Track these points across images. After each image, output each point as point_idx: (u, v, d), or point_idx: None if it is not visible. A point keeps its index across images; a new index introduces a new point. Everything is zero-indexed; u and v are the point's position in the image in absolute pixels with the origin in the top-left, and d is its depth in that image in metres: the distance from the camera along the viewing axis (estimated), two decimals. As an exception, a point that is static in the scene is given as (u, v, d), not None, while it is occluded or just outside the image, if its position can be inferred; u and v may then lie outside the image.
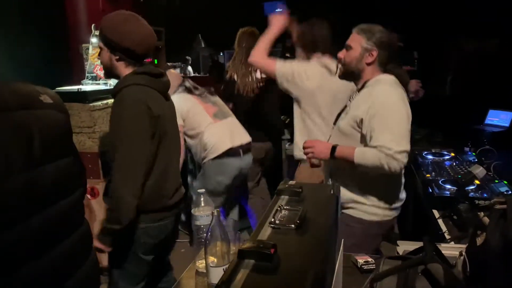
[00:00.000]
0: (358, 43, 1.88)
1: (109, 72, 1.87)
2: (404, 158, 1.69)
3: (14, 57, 1.66)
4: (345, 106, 2.01)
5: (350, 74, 1.94)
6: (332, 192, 1.28)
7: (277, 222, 1.06)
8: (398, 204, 1.96)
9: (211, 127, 2.77)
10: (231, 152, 2.79)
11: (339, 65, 1.98)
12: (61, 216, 1.19)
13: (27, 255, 1.07)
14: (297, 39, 2.67)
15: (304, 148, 1.95)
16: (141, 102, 1.71)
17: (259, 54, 2.53)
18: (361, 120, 1.81)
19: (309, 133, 2.48)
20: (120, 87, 1.75)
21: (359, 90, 1.95)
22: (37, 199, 1.11)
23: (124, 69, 1.81)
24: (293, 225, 1.04)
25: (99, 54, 1.86)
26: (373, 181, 1.85)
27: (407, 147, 1.71)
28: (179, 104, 2.37)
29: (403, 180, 1.98)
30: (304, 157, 2.01)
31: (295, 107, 2.55)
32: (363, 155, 1.76)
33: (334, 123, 2.05)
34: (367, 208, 1.91)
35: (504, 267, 0.91)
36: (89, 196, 2.57)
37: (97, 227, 1.76)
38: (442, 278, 0.99)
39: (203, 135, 2.76)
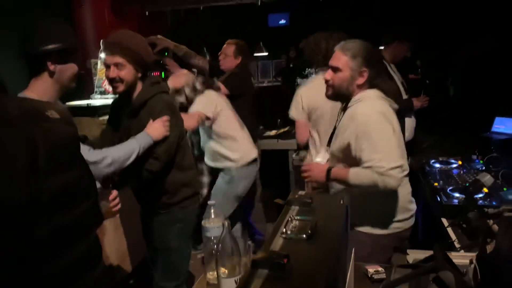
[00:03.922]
0: (345, 64, 1.82)
1: (129, 88, 1.96)
2: (398, 173, 1.68)
3: (22, 73, 1.70)
4: (335, 128, 2.01)
5: (341, 96, 1.91)
6: (342, 202, 1.30)
7: (288, 232, 1.08)
8: (406, 215, 1.94)
9: (242, 134, 2.97)
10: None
11: (327, 86, 1.92)
12: (67, 229, 1.20)
13: (30, 266, 1.08)
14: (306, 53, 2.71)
15: (302, 171, 1.97)
16: (174, 107, 2.04)
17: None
18: (349, 144, 1.82)
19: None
20: (145, 98, 1.95)
21: (344, 109, 1.94)
22: (42, 211, 1.12)
23: (139, 83, 1.98)
24: (304, 235, 1.05)
25: (118, 70, 1.91)
26: (377, 195, 1.82)
27: (399, 162, 1.70)
28: (212, 99, 2.82)
29: (409, 189, 1.96)
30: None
31: None
32: (357, 176, 1.76)
33: (328, 144, 2.05)
34: (375, 223, 1.90)
35: (515, 275, 0.92)
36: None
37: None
38: (454, 285, 1.00)
39: (234, 140, 2.92)
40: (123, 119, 2.05)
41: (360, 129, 1.76)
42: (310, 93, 2.60)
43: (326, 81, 1.91)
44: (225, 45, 3.52)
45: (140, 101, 1.95)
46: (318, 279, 0.88)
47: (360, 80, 1.83)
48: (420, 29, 5.37)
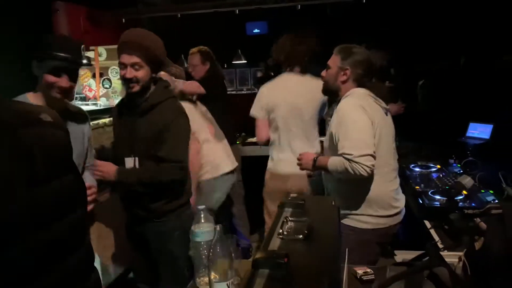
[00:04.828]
0: (334, 63, 2.06)
1: (144, 89, 1.93)
2: (366, 161, 1.80)
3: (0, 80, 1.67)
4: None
5: (329, 90, 2.13)
6: (333, 203, 1.32)
7: (285, 233, 1.09)
8: (390, 212, 2.00)
9: (213, 147, 2.81)
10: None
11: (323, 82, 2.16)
12: (63, 234, 1.18)
13: (25, 275, 1.05)
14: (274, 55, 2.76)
15: (297, 159, 2.17)
16: (184, 112, 2.02)
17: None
18: (332, 134, 1.98)
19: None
20: (157, 100, 1.93)
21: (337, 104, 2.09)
22: (40, 217, 1.10)
23: (152, 84, 1.95)
24: (301, 236, 1.06)
25: (135, 71, 1.88)
26: (361, 189, 1.96)
27: (367, 151, 1.82)
28: (188, 113, 2.56)
29: (393, 187, 2.04)
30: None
31: None
32: (333, 163, 1.92)
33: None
34: (359, 217, 1.99)
35: (506, 269, 0.95)
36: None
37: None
38: (448, 280, 1.02)
39: (204, 154, 2.76)
40: (130, 116, 2.00)
41: (340, 119, 1.93)
42: (270, 93, 2.64)
43: (322, 78, 2.15)
44: (189, 57, 3.56)
45: (152, 102, 1.92)
46: (319, 277, 0.89)
47: (343, 77, 2.03)
48: (395, 38, 5.54)
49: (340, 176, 1.90)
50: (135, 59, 1.85)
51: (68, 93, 1.80)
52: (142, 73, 1.87)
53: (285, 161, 2.59)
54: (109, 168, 1.93)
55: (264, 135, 2.66)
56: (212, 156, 2.78)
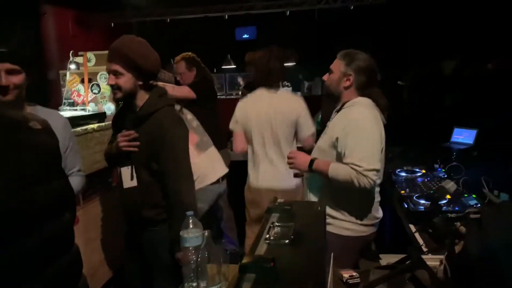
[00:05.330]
0: (338, 68, 2.02)
1: (129, 96, 1.92)
2: (373, 176, 1.79)
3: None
4: (325, 126, 2.13)
5: (331, 95, 2.09)
6: (319, 208, 1.35)
7: (271, 238, 1.11)
8: (372, 221, 2.04)
9: (195, 160, 2.73)
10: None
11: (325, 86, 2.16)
12: (51, 239, 1.19)
13: (12, 279, 1.06)
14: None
15: (288, 158, 2.10)
16: (181, 120, 2.01)
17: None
18: (337, 139, 1.93)
19: None
20: (153, 109, 1.91)
21: (338, 111, 2.07)
22: (29, 222, 1.11)
23: (144, 93, 1.94)
24: (287, 240, 1.09)
25: (116, 78, 1.88)
26: (346, 198, 1.96)
27: (377, 166, 1.82)
28: None
29: (377, 199, 2.07)
30: None
31: None
32: (336, 170, 1.87)
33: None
34: (343, 224, 2.00)
35: (484, 271, 0.99)
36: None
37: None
38: (429, 283, 1.06)
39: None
40: (127, 127, 2.00)
41: (352, 127, 1.88)
42: (245, 107, 2.76)
43: (324, 82, 2.14)
44: (174, 65, 3.56)
45: (147, 111, 1.92)
46: (305, 281, 0.91)
47: (346, 83, 2.00)
48: (383, 42, 5.63)
49: (339, 184, 1.88)
50: (114, 66, 1.87)
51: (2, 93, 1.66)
52: (123, 80, 1.88)
53: (261, 174, 2.72)
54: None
55: (238, 147, 2.81)
56: (194, 170, 2.72)
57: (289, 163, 2.11)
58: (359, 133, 1.86)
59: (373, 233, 2.07)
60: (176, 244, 1.80)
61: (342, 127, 1.92)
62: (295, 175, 2.16)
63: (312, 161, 1.99)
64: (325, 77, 2.11)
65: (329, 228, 1.97)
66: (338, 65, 2.03)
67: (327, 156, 2.01)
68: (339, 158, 1.93)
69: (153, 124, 1.91)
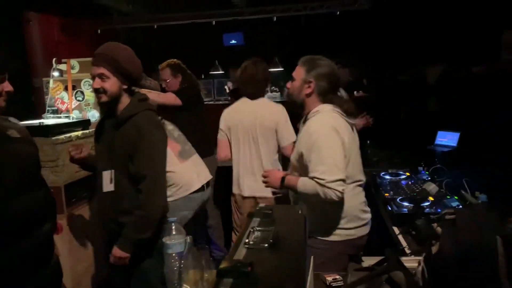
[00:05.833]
0: (299, 75, 2.00)
1: (113, 99, 1.94)
2: (338, 186, 1.79)
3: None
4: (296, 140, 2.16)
5: (294, 103, 2.07)
6: (300, 212, 1.36)
7: (251, 242, 1.12)
8: (358, 224, 2.01)
9: (178, 169, 2.72)
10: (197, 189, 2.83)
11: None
12: (33, 249, 1.18)
13: None
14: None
15: (262, 176, 2.13)
16: (160, 124, 2.03)
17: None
18: (302, 154, 1.94)
19: None
20: (133, 112, 1.94)
21: (304, 121, 2.06)
22: (9, 232, 1.10)
23: (126, 97, 1.98)
24: (266, 245, 1.10)
25: (102, 82, 1.89)
26: (329, 205, 1.91)
27: (340, 175, 1.80)
28: None
29: (360, 200, 2.05)
30: None
31: None
32: (304, 186, 1.89)
33: None
34: (328, 229, 1.98)
35: (458, 270, 1.01)
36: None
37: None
38: (405, 284, 1.07)
39: (172, 173, 2.65)
40: (108, 130, 2.02)
41: (311, 141, 1.88)
42: (228, 116, 2.82)
43: (287, 89, 2.12)
44: (160, 72, 3.55)
45: (126, 115, 1.94)
46: (284, 285, 0.92)
47: (307, 90, 1.98)
48: (368, 48, 5.70)
49: (309, 197, 1.89)
50: (101, 69, 1.89)
51: None
52: (109, 84, 1.90)
53: (243, 182, 2.77)
54: None
55: (222, 154, 2.86)
56: (179, 180, 2.71)
57: (263, 182, 2.12)
58: (318, 146, 1.85)
59: (363, 236, 2.03)
60: (122, 241, 1.91)
61: (305, 141, 1.93)
62: (273, 193, 2.25)
63: (283, 178, 2.00)
64: (288, 85, 2.09)
65: (315, 234, 1.98)
66: (299, 72, 2.00)
67: (299, 170, 2.00)
68: (307, 172, 1.92)
69: (132, 127, 1.93)
